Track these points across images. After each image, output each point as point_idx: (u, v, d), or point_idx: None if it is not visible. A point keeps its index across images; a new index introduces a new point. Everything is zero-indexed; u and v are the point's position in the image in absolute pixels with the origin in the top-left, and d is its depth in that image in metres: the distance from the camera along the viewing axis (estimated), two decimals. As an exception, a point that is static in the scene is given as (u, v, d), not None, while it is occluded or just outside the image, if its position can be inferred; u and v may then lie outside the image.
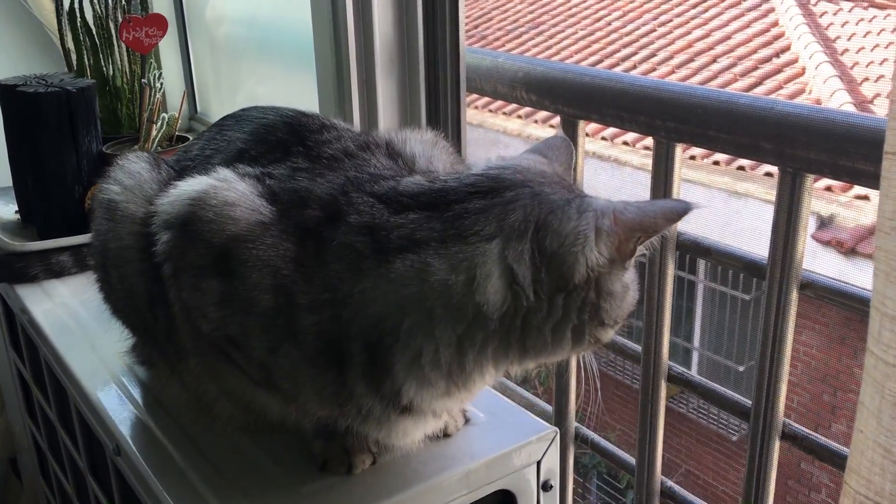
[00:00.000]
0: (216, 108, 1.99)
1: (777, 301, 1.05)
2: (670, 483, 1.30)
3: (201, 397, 0.86)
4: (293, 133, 0.88)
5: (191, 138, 1.57)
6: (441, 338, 0.72)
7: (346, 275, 0.73)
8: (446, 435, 0.86)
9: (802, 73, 5.34)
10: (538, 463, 0.85)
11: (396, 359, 0.73)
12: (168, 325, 0.82)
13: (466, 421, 0.88)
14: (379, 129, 1.30)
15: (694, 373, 5.66)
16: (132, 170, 0.91)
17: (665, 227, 0.72)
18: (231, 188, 0.78)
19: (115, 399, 0.94)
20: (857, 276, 4.90)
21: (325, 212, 0.77)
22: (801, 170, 0.99)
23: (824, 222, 5.33)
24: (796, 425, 1.10)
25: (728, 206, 5.08)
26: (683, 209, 0.72)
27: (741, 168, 4.76)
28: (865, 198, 5.33)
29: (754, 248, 1.12)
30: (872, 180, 0.90)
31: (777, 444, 1.11)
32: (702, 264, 5.84)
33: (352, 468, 0.84)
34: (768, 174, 4.49)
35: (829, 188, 5.33)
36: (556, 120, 1.27)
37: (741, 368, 5.72)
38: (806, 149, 0.97)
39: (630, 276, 0.76)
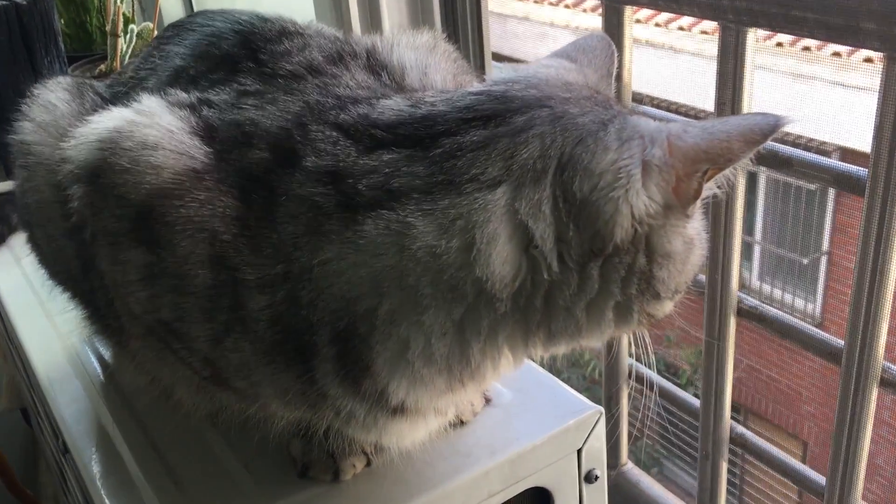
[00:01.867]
0: (214, 4, 1.77)
1: (879, 223, 0.84)
2: (741, 429, 1.13)
3: (158, 382, 0.70)
4: (244, 44, 0.68)
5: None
6: (431, 326, 0.54)
7: (303, 240, 0.55)
8: (461, 423, 0.69)
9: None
10: (578, 451, 0.68)
11: (375, 352, 0.55)
12: (106, 297, 0.65)
13: (487, 402, 0.71)
14: (383, 27, 1.09)
15: (756, 271, 5.44)
16: (48, 101, 0.71)
17: (745, 154, 0.51)
18: (153, 123, 0.59)
19: (68, 383, 0.79)
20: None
21: (274, 153, 0.58)
22: (916, 55, 0.76)
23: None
24: (899, 370, 0.91)
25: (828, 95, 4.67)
26: (771, 126, 0.51)
27: (836, 54, 4.29)
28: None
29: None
30: None
31: (875, 393, 0.92)
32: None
33: (339, 474, 0.67)
34: (868, 60, 4.00)
35: None
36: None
37: (805, 261, 5.46)
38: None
39: (695, 226, 0.56)
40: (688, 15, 0.93)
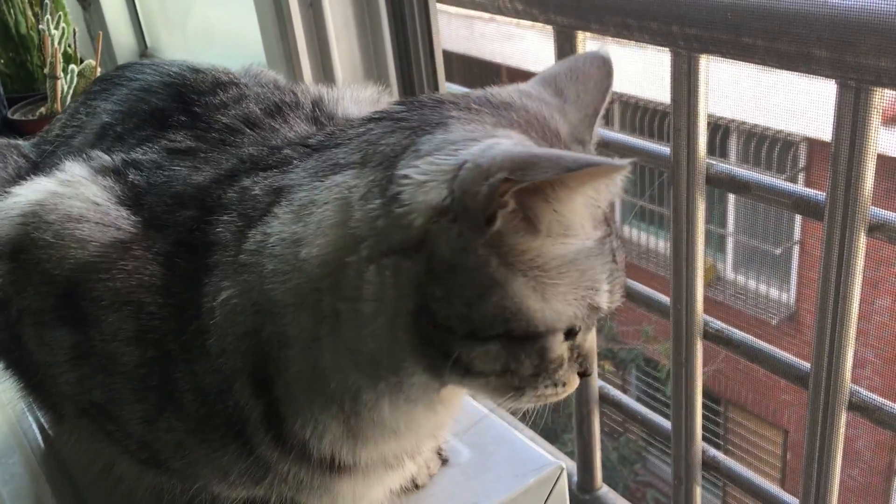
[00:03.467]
0: (167, 39, 1.74)
1: (840, 246, 0.83)
2: (714, 452, 1.12)
3: (98, 455, 0.67)
4: (175, 97, 0.65)
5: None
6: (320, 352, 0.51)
7: (210, 285, 0.52)
8: (416, 486, 0.67)
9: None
10: (541, 512, 0.66)
11: (280, 394, 0.52)
12: (37, 375, 0.62)
13: (444, 462, 0.68)
14: (333, 61, 1.07)
15: (729, 263, 5.46)
16: None
17: (550, 174, 0.44)
18: (76, 194, 0.57)
19: (7, 457, 0.75)
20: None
21: (201, 209, 0.55)
22: (866, 83, 0.75)
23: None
24: (866, 393, 0.90)
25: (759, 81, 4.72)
26: (583, 161, 0.44)
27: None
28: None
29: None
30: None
31: (844, 417, 0.91)
32: (732, 145, 5.54)
33: None
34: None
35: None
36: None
37: (778, 251, 5.49)
38: (875, 55, 0.73)
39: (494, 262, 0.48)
40: (639, 41, 0.91)
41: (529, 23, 5.38)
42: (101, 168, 0.60)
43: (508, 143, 0.47)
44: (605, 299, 0.50)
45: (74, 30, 1.31)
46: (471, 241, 0.46)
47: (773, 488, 1.04)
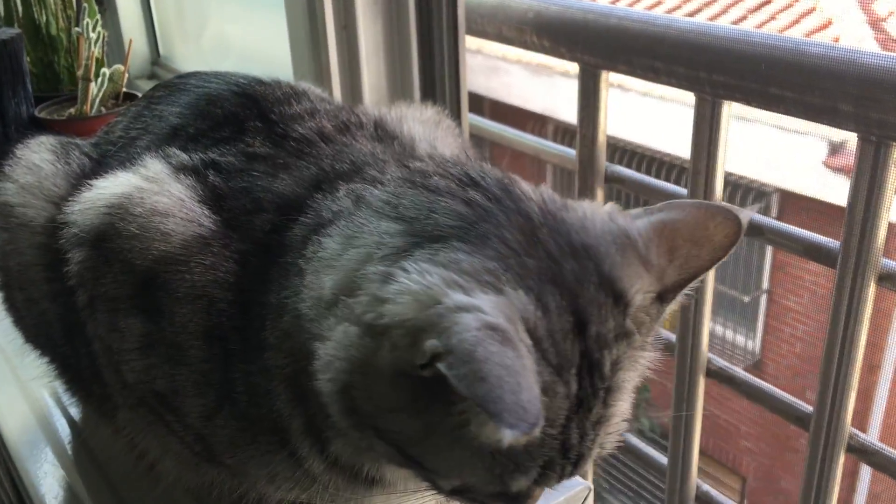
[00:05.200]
0: (181, 50, 1.75)
1: (850, 293, 0.86)
2: (707, 487, 1.14)
3: (139, 451, 0.68)
4: (250, 104, 0.67)
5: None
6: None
7: (275, 283, 0.54)
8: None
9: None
10: (568, 531, 0.68)
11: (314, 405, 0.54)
12: (91, 364, 0.63)
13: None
14: (362, 84, 1.09)
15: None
16: (31, 162, 0.69)
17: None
18: (163, 191, 0.58)
19: (34, 447, 0.76)
20: (870, 203, 4.70)
21: (280, 213, 0.57)
22: (888, 139, 0.79)
23: (835, 148, 5.13)
24: (864, 436, 0.93)
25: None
26: None
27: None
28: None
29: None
30: None
31: (842, 458, 0.94)
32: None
33: None
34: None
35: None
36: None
37: (746, 299, 5.58)
38: (897, 113, 0.77)
39: None
40: (665, 84, 0.94)
41: (516, 57, 5.39)
42: (180, 166, 0.61)
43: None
44: None
45: (106, 35, 1.32)
46: None
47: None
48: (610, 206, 0.53)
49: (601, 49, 1.01)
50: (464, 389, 0.40)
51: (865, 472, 5.18)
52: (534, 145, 1.18)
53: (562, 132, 5.21)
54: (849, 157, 5.27)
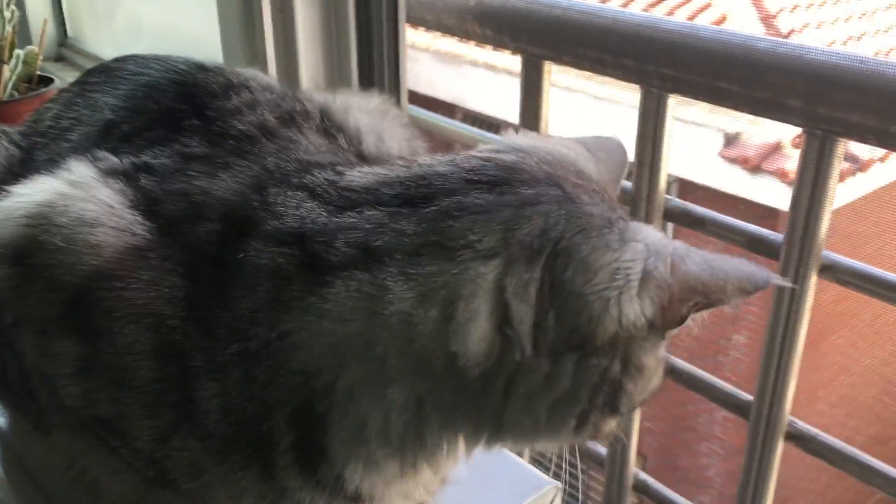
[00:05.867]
0: (91, 31, 1.65)
1: (793, 283, 0.88)
2: (644, 476, 1.15)
3: (78, 469, 0.62)
4: (186, 98, 0.62)
5: (56, 81, 1.26)
6: (393, 401, 0.50)
7: (261, 314, 0.51)
8: (418, 505, 0.66)
9: None
10: (536, 532, 0.67)
11: (332, 433, 0.51)
12: (23, 380, 0.57)
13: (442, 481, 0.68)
14: (299, 71, 1.05)
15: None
16: None
17: (734, 300, 0.51)
18: (89, 197, 0.53)
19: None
20: (762, 193, 4.93)
21: (226, 222, 0.53)
22: (834, 134, 0.81)
23: (730, 140, 5.33)
24: (802, 424, 0.96)
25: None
26: (764, 283, 0.51)
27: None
28: (771, 113, 5.29)
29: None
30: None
31: (780, 446, 0.97)
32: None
33: None
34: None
35: (736, 104, 5.26)
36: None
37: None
38: (846, 109, 0.78)
39: (663, 351, 0.56)
40: (612, 77, 0.94)
41: (424, 45, 5.37)
42: (109, 170, 0.56)
43: (677, 249, 0.52)
44: None
45: (18, 14, 1.22)
46: (657, 345, 0.53)
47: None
48: None
49: (545, 40, 1.00)
50: (742, 294, 0.51)
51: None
52: (471, 136, 1.17)
53: (470, 121, 5.22)
54: (743, 149, 5.49)
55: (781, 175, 4.75)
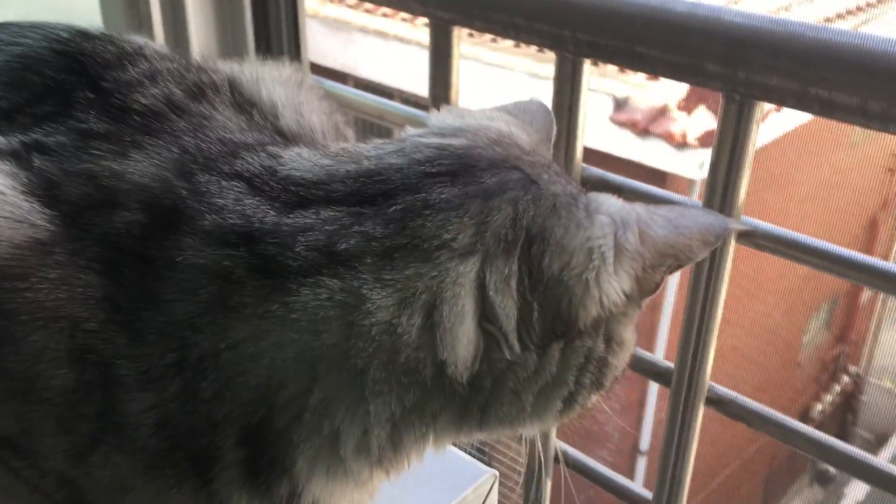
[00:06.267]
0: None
1: (712, 251, 0.88)
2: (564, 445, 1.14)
3: None
4: (74, 68, 0.55)
5: None
6: (378, 415, 0.47)
7: (203, 319, 0.45)
8: (357, 507, 0.62)
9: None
10: (475, 521, 0.64)
11: (298, 450, 0.47)
12: None
13: (380, 477, 0.64)
14: (189, 38, 0.97)
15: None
16: None
17: (700, 255, 0.51)
18: None
19: None
20: (650, 156, 5.06)
21: (151, 213, 0.47)
22: (753, 97, 0.80)
23: (619, 104, 5.43)
24: (722, 388, 0.96)
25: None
26: (723, 230, 0.51)
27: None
28: (655, 79, 5.46)
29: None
30: (857, 116, 0.73)
31: (701, 410, 0.97)
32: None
33: None
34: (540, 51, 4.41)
35: (622, 70, 5.40)
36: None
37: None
38: (764, 72, 0.78)
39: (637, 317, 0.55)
40: (526, 42, 0.91)
41: (312, 11, 5.27)
42: None
43: (640, 215, 0.51)
44: None
45: None
46: (634, 316, 0.53)
47: (626, 480, 1.09)
48: None
49: (455, 4, 0.96)
50: (707, 248, 0.52)
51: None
52: (379, 108, 1.11)
53: (362, 90, 5.13)
54: (632, 113, 5.60)
55: (669, 137, 4.88)
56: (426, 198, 0.48)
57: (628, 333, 0.53)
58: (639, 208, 0.51)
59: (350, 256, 0.46)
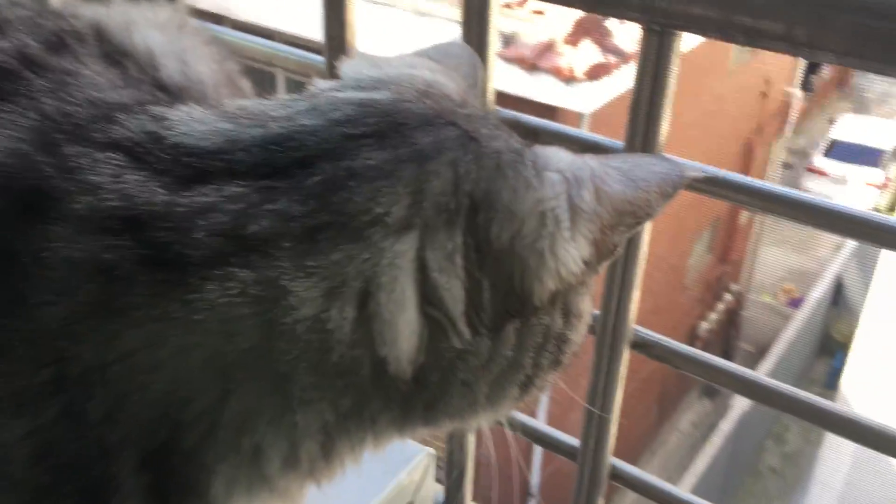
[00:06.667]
0: None
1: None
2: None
3: None
4: None
5: None
6: (308, 426, 0.40)
7: (84, 326, 0.38)
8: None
9: None
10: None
11: (214, 472, 0.40)
12: None
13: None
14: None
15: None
16: None
17: (657, 210, 0.46)
18: None
19: None
20: (539, 91, 5.06)
21: (8, 197, 0.39)
22: (673, 28, 0.76)
23: (507, 40, 5.39)
24: (645, 331, 0.94)
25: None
26: (680, 178, 0.46)
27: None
28: (540, 13, 5.44)
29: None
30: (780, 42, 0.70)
31: (626, 354, 0.95)
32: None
33: None
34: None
35: (507, 5, 5.35)
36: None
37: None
38: (685, 1, 0.73)
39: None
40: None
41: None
42: None
43: (594, 170, 0.45)
44: None
45: None
46: (590, 284, 0.48)
47: (550, 429, 1.07)
48: None
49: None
50: (665, 200, 0.48)
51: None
52: (268, 52, 1.02)
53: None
54: (520, 49, 5.58)
55: (557, 72, 4.88)
56: (350, 165, 0.41)
57: (585, 304, 0.48)
58: (591, 161, 0.45)
59: (263, 241, 0.39)
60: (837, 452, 6.26)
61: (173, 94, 0.47)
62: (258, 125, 0.42)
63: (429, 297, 0.40)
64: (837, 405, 0.82)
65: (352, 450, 0.44)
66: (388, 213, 0.40)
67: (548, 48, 5.10)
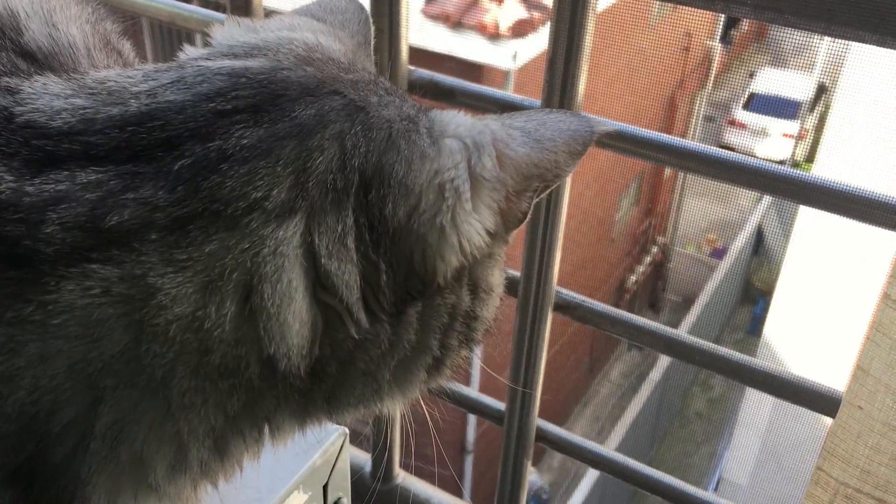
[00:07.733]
0: None
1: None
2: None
3: None
4: None
5: None
6: (193, 433, 0.37)
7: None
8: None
9: None
10: (324, 487, 0.56)
11: (89, 483, 0.36)
12: None
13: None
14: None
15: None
16: None
17: (569, 169, 0.43)
18: None
19: None
20: (464, 48, 5.01)
21: None
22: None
23: (430, -5, 5.30)
24: (568, 293, 0.93)
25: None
26: (589, 134, 0.43)
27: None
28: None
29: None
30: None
31: (550, 317, 0.94)
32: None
33: None
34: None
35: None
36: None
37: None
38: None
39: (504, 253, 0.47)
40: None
41: None
42: None
43: (496, 133, 0.41)
44: None
45: None
46: (500, 254, 0.46)
47: (476, 393, 1.06)
48: None
49: None
50: (574, 160, 0.45)
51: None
52: (169, 10, 0.96)
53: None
54: (443, 5, 5.49)
55: (481, 28, 4.83)
56: (222, 146, 0.36)
57: (496, 276, 0.46)
58: (492, 123, 0.42)
59: (126, 234, 0.34)
60: (759, 396, 6.50)
61: (39, 60, 0.42)
62: (117, 102, 0.37)
63: (322, 285, 0.38)
64: (756, 360, 0.82)
65: (248, 449, 0.41)
66: (268, 197, 0.36)
67: (472, 4, 5.04)
